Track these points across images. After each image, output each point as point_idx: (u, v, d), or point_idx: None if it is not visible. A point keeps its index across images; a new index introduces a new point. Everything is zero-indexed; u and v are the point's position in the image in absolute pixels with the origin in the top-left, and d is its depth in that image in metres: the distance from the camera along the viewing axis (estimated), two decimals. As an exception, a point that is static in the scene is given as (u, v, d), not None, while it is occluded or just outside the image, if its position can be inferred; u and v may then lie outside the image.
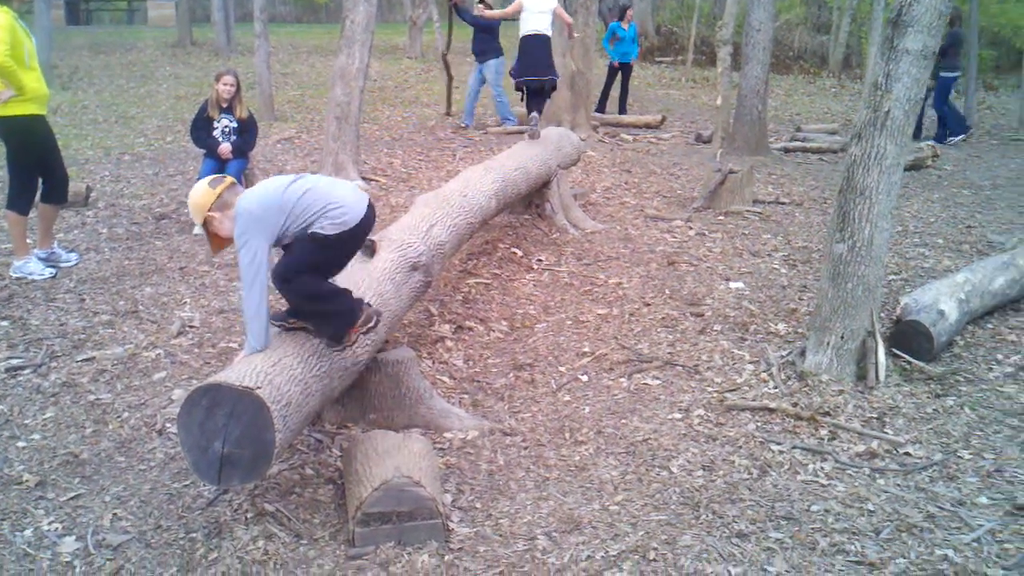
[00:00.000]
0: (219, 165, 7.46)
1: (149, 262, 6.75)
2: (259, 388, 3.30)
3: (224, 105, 7.63)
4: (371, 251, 4.91)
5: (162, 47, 23.64)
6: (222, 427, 3.26)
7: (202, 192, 3.73)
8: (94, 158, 10.52)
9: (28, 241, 6.44)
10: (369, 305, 4.03)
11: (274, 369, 3.51)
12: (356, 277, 4.61)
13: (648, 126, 14.33)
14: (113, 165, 10.15)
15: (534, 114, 8.37)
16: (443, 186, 6.49)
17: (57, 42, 19.93)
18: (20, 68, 5.92)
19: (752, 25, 12.11)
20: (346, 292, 3.95)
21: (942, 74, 13.21)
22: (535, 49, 8.73)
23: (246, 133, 7.73)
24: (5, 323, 5.51)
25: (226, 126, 7.64)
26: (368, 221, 3.92)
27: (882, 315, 5.41)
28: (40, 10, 16.39)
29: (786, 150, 12.72)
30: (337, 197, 3.80)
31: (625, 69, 15.02)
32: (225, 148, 7.54)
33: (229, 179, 3.82)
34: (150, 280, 6.36)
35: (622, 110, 15.09)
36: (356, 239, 3.92)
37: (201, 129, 7.68)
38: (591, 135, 12.80)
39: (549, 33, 8.71)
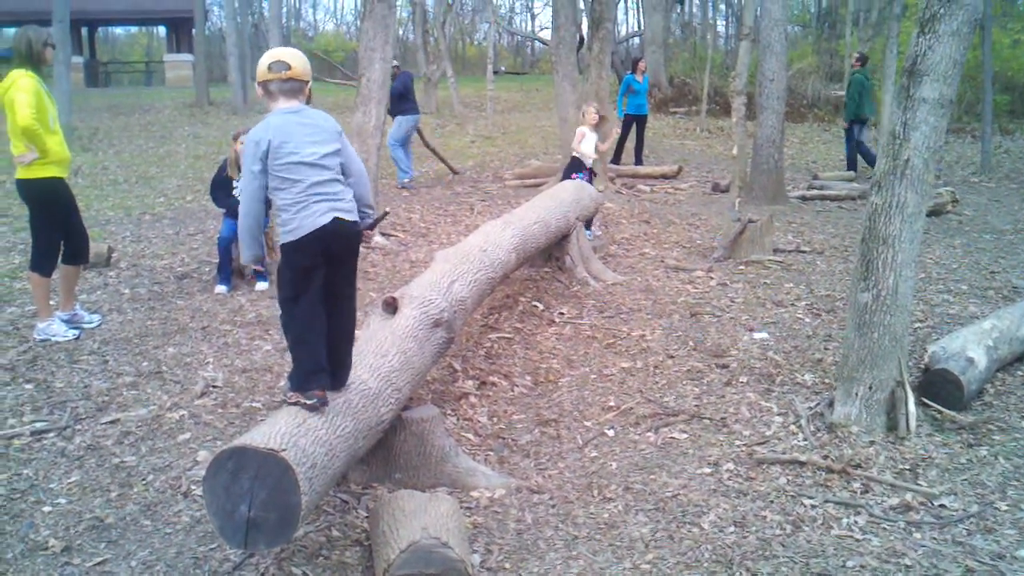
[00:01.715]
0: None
1: (171, 322, 6.76)
2: (284, 450, 3.27)
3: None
4: (392, 308, 4.91)
5: (180, 107, 24.02)
6: (247, 490, 3.22)
7: (262, 70, 3.77)
8: (115, 219, 10.62)
9: (51, 303, 6.46)
10: (339, 383, 3.88)
11: (299, 431, 3.48)
12: (379, 336, 4.61)
13: (665, 176, 14.40)
14: (134, 225, 10.23)
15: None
16: (463, 241, 6.49)
17: (77, 104, 20.25)
18: (45, 131, 6.00)
19: (765, 75, 12.22)
20: (313, 354, 3.70)
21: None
22: (573, 168, 9.83)
23: (266, 192, 7.75)
24: (29, 386, 5.52)
25: (246, 186, 7.66)
26: (319, 240, 3.67)
27: (910, 364, 5.35)
28: (59, 73, 16.67)
29: (804, 198, 12.71)
30: (301, 206, 3.65)
31: (640, 120, 15.13)
32: None
33: (291, 70, 3.74)
34: (173, 340, 6.36)
35: (638, 161, 15.17)
36: (302, 254, 3.68)
37: (220, 189, 7.72)
38: (608, 187, 12.85)
39: (592, 152, 9.93)
